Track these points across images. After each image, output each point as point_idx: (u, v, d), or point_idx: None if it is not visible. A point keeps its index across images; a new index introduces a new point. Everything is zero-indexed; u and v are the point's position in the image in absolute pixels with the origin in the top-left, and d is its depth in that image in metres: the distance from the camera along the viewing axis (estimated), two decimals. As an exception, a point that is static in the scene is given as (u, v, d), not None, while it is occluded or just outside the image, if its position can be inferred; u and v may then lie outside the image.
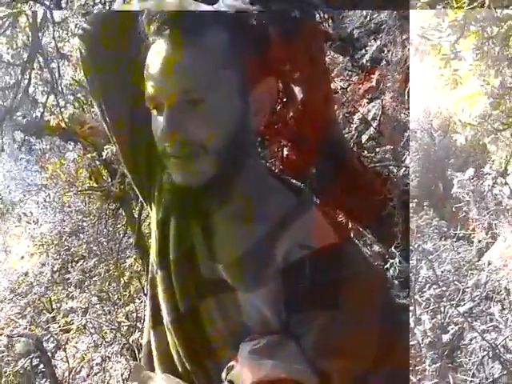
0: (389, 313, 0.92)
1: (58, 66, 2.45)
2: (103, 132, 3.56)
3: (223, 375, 0.89)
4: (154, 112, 0.89)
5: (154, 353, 1.03)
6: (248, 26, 0.91)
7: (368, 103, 1.98)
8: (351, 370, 0.86)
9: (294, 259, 0.88)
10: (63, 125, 2.95)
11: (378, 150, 2.05)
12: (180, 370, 0.97)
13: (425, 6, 2.10)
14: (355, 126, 2.14)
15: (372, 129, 2.10)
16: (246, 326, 0.90)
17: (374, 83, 1.81)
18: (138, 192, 1.17)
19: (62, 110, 2.74)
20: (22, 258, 6.17)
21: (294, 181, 1.07)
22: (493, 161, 3.89)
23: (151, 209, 1.11)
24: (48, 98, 2.62)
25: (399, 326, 0.97)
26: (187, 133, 0.86)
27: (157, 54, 0.86)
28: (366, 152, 2.18)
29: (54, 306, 4.82)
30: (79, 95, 3.66)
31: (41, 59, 2.33)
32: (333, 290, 0.86)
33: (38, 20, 2.01)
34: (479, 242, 4.01)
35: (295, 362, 0.85)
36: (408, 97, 1.99)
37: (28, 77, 2.25)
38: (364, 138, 2.13)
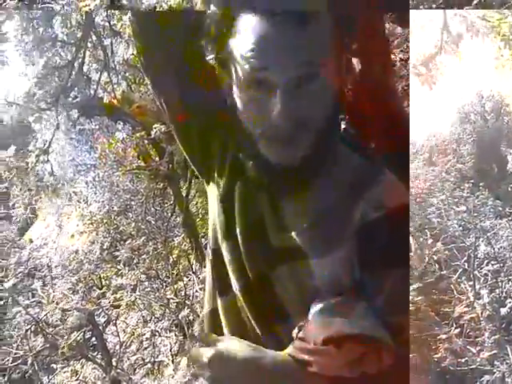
0: None
1: (111, 43, 2.48)
2: (151, 111, 3.59)
3: (294, 333, 0.93)
4: (252, 91, 0.89)
5: (223, 318, 1.06)
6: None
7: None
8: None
9: (369, 220, 0.91)
10: (116, 102, 2.99)
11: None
12: (250, 333, 1.01)
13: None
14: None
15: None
16: (317, 289, 0.93)
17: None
18: (195, 169, 1.19)
19: (115, 86, 2.78)
20: (73, 236, 6.37)
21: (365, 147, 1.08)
22: None
23: (208, 185, 1.13)
24: (101, 75, 2.66)
25: None
26: (303, 111, 0.88)
27: (267, 30, 0.86)
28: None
29: (103, 283, 4.95)
30: (127, 74, 3.70)
31: (94, 37, 2.36)
32: (405, 248, 0.91)
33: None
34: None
35: (365, 319, 0.87)
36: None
37: (82, 55, 2.28)
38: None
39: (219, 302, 1.08)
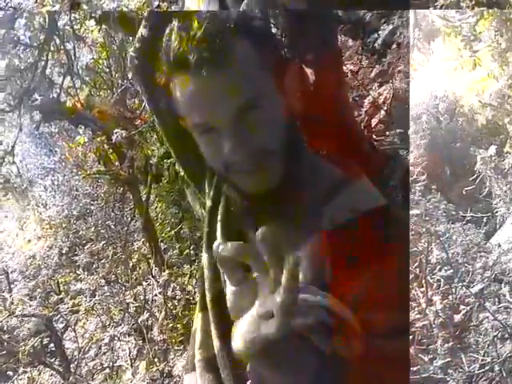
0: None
1: (74, 48, 2.49)
2: (112, 116, 3.60)
3: None
4: (204, 137, 0.94)
5: (197, 335, 1.08)
6: (264, 32, 0.97)
7: (379, 87, 2.02)
8: (390, 322, 0.91)
9: (340, 222, 0.96)
10: (79, 106, 2.99)
11: (387, 133, 2.09)
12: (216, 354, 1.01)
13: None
14: (365, 109, 2.17)
15: (382, 112, 2.13)
16: None
17: (385, 67, 1.85)
18: (190, 181, 1.26)
19: (78, 91, 2.79)
20: (30, 241, 6.24)
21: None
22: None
23: (200, 193, 1.24)
24: (64, 79, 2.67)
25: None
26: (253, 142, 0.91)
27: (191, 85, 0.88)
28: (375, 136, 2.21)
29: (61, 289, 4.88)
30: (87, 78, 3.71)
31: (57, 41, 2.37)
32: (377, 248, 0.93)
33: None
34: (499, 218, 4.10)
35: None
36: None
37: (45, 58, 2.29)
38: (374, 121, 2.17)
39: (197, 318, 1.12)
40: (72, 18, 2.26)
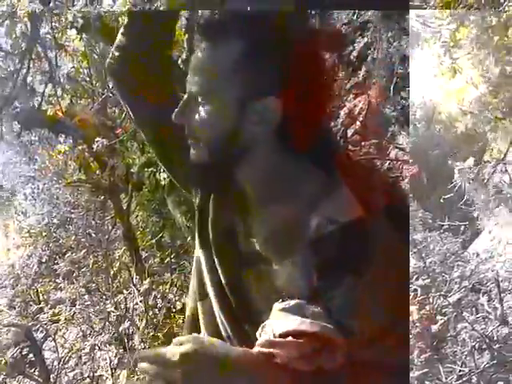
0: (404, 283, 1.10)
1: (56, 56, 2.51)
2: (93, 124, 3.61)
3: (258, 332, 1.01)
4: None
5: (202, 322, 1.18)
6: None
7: (354, 98, 2.06)
8: (371, 329, 0.98)
9: (324, 232, 1.01)
10: (61, 114, 3.00)
11: (363, 144, 2.13)
12: (224, 335, 1.12)
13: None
14: (341, 120, 2.21)
15: (358, 123, 2.18)
16: (279, 292, 1.03)
17: (360, 79, 1.89)
18: (179, 186, 1.34)
19: (60, 99, 2.80)
20: (8, 250, 6.18)
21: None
22: (492, 149, 3.93)
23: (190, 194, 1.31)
24: (46, 87, 2.68)
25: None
26: (188, 124, 1.06)
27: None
28: (351, 146, 2.26)
29: (41, 298, 4.84)
30: (67, 87, 3.71)
31: (39, 49, 2.39)
32: (358, 259, 0.98)
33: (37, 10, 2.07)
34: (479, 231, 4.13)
35: (319, 320, 0.96)
36: (394, 92, 2.06)
37: (26, 66, 2.30)
38: (350, 132, 2.21)
39: (199, 307, 1.20)
40: (53, 27, 2.29)
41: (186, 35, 2.53)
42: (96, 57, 3.51)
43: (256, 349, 0.98)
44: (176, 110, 1.06)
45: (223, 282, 1.12)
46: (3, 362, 3.67)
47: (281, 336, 0.95)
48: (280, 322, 0.98)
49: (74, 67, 3.23)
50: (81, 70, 3.63)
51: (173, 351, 0.91)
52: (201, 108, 1.02)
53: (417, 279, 2.74)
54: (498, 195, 3.80)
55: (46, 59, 2.44)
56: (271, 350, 0.95)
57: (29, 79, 2.58)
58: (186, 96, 1.06)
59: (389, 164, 2.17)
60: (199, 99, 1.02)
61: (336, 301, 0.98)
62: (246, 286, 1.09)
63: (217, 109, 1.02)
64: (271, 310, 1.01)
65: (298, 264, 1.02)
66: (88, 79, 3.78)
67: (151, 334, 3.61)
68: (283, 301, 1.01)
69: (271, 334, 0.97)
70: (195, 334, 1.03)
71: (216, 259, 1.13)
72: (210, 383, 0.93)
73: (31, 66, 2.49)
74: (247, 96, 1.01)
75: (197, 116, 1.03)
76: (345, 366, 0.95)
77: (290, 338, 0.94)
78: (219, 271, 1.13)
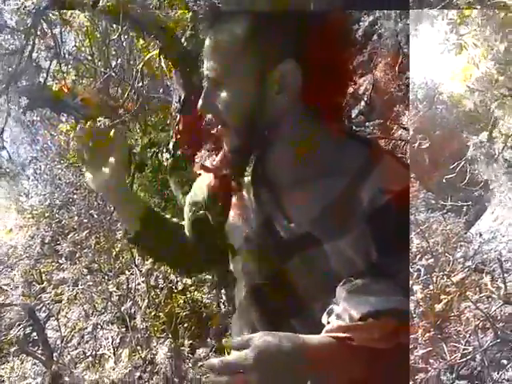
0: None
1: (61, 32, 2.49)
2: (95, 104, 3.59)
3: (324, 319, 0.96)
4: None
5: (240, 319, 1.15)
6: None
7: (359, 78, 2.04)
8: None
9: (379, 204, 0.97)
10: (66, 90, 2.99)
11: (367, 124, 2.12)
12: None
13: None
14: (346, 100, 2.19)
15: (362, 103, 2.16)
16: (334, 274, 0.98)
17: (366, 57, 1.87)
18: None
19: (65, 75, 2.79)
20: (11, 230, 6.19)
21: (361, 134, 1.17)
22: (501, 125, 3.88)
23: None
24: (51, 63, 2.67)
25: None
26: (214, 110, 1.04)
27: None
28: (355, 126, 2.25)
29: (43, 278, 4.87)
30: (69, 66, 3.69)
31: (44, 25, 2.37)
32: (408, 229, 0.97)
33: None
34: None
35: (393, 295, 0.93)
36: (399, 72, 2.04)
37: (31, 43, 2.28)
38: (354, 112, 2.20)
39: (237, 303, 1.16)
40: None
41: (190, 13, 2.50)
42: (98, 35, 3.48)
43: (328, 331, 0.92)
44: (200, 102, 1.04)
45: (268, 275, 1.06)
46: (7, 340, 3.72)
47: (361, 319, 0.91)
48: (355, 304, 0.92)
49: (75, 46, 3.20)
50: (83, 49, 3.61)
51: (245, 355, 0.85)
52: (223, 92, 1.00)
53: (420, 259, 2.72)
54: (510, 169, 3.78)
55: (51, 35, 2.42)
56: (348, 334, 0.90)
57: (34, 55, 2.56)
58: (205, 86, 1.04)
59: (393, 144, 2.16)
60: (218, 84, 1.00)
61: (402, 274, 0.95)
62: (294, 274, 1.03)
63: (238, 88, 1.00)
64: (325, 294, 0.97)
65: (354, 240, 0.98)
66: (90, 58, 3.75)
67: (153, 313, 3.63)
68: (345, 283, 0.96)
69: (348, 319, 0.92)
70: (263, 332, 0.93)
71: (257, 252, 1.09)
72: (288, 379, 0.87)
73: (36, 42, 2.47)
74: (263, 67, 0.98)
75: (221, 101, 1.01)
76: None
77: (371, 320, 0.90)
78: (261, 264, 1.08)
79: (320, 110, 1.04)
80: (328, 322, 0.94)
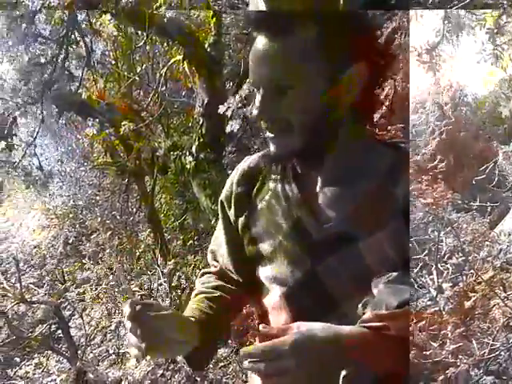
0: None
1: (91, 41, 2.58)
2: (119, 108, 3.67)
3: (359, 309, 0.97)
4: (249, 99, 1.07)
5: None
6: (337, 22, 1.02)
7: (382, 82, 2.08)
8: None
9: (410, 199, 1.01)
10: (99, 97, 3.08)
11: (389, 128, 2.15)
12: None
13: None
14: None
15: (384, 107, 2.20)
16: (369, 272, 1.00)
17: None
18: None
19: (94, 83, 2.88)
20: (34, 231, 6.33)
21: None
22: None
23: None
24: (84, 71, 2.75)
25: None
26: (276, 113, 1.01)
27: (255, 48, 1.01)
28: (377, 130, 2.29)
29: (66, 278, 4.97)
30: (97, 74, 3.77)
31: (76, 34, 2.45)
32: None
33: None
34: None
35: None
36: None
37: (64, 52, 2.37)
38: (376, 116, 2.23)
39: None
40: (89, 12, 2.35)
41: (214, 19, 2.57)
42: (123, 40, 3.57)
43: (364, 321, 0.93)
44: (256, 107, 1.02)
45: (300, 276, 1.07)
46: (33, 337, 3.81)
47: (398, 307, 0.91)
48: (391, 293, 0.94)
49: (101, 52, 3.30)
50: (106, 53, 3.70)
51: (282, 341, 0.88)
52: (289, 96, 0.99)
53: (450, 258, 2.72)
54: None
55: (83, 44, 2.51)
56: (384, 322, 0.91)
57: (66, 64, 2.65)
58: (261, 91, 1.01)
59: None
60: (283, 88, 0.98)
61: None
62: (328, 274, 1.04)
63: (309, 90, 0.99)
64: (361, 291, 0.98)
65: (390, 236, 1.00)
66: (114, 62, 3.84)
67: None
68: (380, 276, 0.97)
69: (384, 308, 0.93)
70: (298, 322, 0.95)
71: (288, 254, 1.08)
72: (323, 367, 0.89)
73: (69, 50, 2.55)
74: (334, 69, 0.99)
75: (286, 104, 0.99)
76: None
77: (407, 308, 0.92)
78: (293, 266, 1.08)
79: (367, 115, 1.08)
80: (363, 313, 0.95)
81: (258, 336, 0.97)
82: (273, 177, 1.15)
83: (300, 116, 1.01)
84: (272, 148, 1.06)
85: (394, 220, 1.01)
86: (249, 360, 0.89)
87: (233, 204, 1.21)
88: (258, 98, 1.02)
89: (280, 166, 1.12)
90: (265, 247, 1.13)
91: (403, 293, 0.93)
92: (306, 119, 1.01)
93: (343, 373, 0.91)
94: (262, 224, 1.14)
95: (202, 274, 1.33)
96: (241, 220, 1.18)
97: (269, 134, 1.05)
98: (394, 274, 0.97)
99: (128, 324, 0.99)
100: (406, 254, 1.00)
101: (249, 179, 1.20)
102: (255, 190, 1.17)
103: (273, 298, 1.12)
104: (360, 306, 0.97)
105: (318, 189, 1.08)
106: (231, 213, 1.21)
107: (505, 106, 3.87)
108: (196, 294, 1.25)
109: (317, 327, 0.92)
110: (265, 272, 1.13)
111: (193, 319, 1.12)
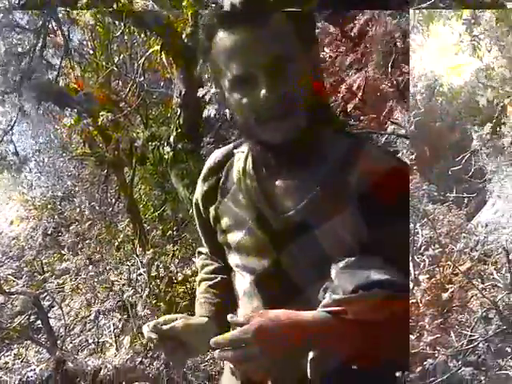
0: None
1: (68, 31, 2.57)
2: (97, 98, 3.67)
3: (320, 295, 1.01)
4: (240, 89, 1.03)
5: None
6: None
7: (354, 74, 2.13)
8: None
9: (366, 186, 1.04)
10: (78, 86, 3.07)
11: (362, 118, 2.21)
12: None
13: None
14: (342, 95, 2.27)
15: (357, 98, 2.25)
16: (327, 258, 1.03)
17: (359, 55, 1.96)
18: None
19: (72, 71, 2.87)
20: (12, 222, 6.27)
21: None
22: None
23: None
24: (62, 60, 2.74)
25: None
26: (285, 89, 1.01)
27: (234, 41, 1.01)
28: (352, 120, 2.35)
29: (45, 269, 4.95)
30: (74, 63, 3.76)
31: (53, 23, 2.45)
32: (403, 204, 1.04)
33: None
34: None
35: (385, 268, 0.98)
36: (392, 68, 2.13)
37: (42, 40, 2.37)
38: (350, 106, 2.28)
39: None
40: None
41: (191, 10, 2.58)
42: (100, 30, 3.56)
43: (323, 306, 0.97)
44: (267, 84, 1.00)
45: (265, 265, 1.11)
46: (12, 328, 3.81)
47: (353, 291, 0.95)
48: (347, 278, 0.97)
49: (79, 41, 3.29)
50: (86, 43, 3.68)
51: (246, 329, 0.92)
52: (289, 69, 1.01)
53: (426, 249, 2.76)
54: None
55: (61, 34, 2.50)
56: (342, 306, 0.95)
57: (44, 53, 2.64)
58: (260, 74, 1.01)
59: (386, 138, 2.26)
60: (285, 60, 1.01)
61: (393, 248, 1.01)
62: (290, 262, 1.08)
63: (303, 64, 1.03)
64: (321, 277, 1.02)
65: (344, 221, 1.04)
66: (92, 53, 3.83)
67: (154, 302, 3.72)
68: (338, 261, 1.01)
69: (341, 292, 0.96)
70: (263, 310, 1.01)
71: (252, 244, 1.13)
72: (288, 352, 0.94)
73: (46, 40, 2.55)
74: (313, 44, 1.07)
75: (291, 79, 1.01)
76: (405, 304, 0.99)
77: (361, 291, 0.94)
78: (257, 256, 1.12)
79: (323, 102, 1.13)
80: (324, 298, 0.99)
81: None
82: (236, 170, 1.19)
83: (302, 91, 1.03)
84: (275, 137, 1.06)
85: (348, 206, 1.05)
86: (217, 349, 0.94)
87: (203, 199, 1.26)
88: (264, 81, 1.01)
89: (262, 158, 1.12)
90: (233, 238, 1.17)
91: (359, 277, 0.97)
92: (306, 95, 1.03)
93: (310, 355, 0.95)
94: (229, 216, 1.18)
95: (199, 253, 1.41)
96: (211, 213, 1.22)
97: (269, 124, 1.04)
98: (351, 259, 1.01)
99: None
100: (363, 239, 1.03)
101: (215, 174, 1.23)
102: (221, 183, 1.21)
103: (244, 284, 1.17)
104: (321, 291, 1.01)
105: (276, 180, 1.12)
106: (202, 207, 1.27)
107: (482, 95, 3.91)
108: (200, 282, 1.34)
109: (280, 314, 0.96)
110: (235, 260, 1.19)
111: (206, 319, 1.21)
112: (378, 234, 1.02)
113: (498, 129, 3.80)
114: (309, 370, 0.94)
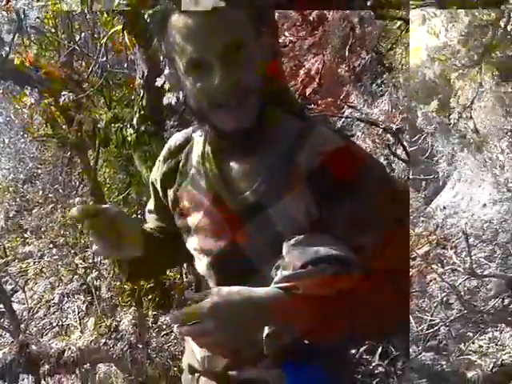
0: (396, 192, 1.14)
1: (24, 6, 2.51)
2: (60, 78, 3.60)
3: (272, 272, 1.05)
4: (195, 74, 1.05)
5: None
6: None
7: (313, 58, 2.15)
8: (379, 240, 1.04)
9: (314, 165, 1.08)
10: (28, 63, 3.00)
11: (320, 102, 2.24)
12: None
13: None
14: (301, 79, 2.30)
15: (315, 82, 2.27)
16: (281, 236, 1.07)
17: (317, 39, 1.98)
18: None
19: (27, 49, 2.79)
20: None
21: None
22: (459, 96, 3.94)
23: None
24: (14, 36, 2.67)
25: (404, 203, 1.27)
26: (238, 78, 1.02)
27: (187, 24, 1.02)
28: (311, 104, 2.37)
29: (8, 253, 4.87)
30: (32, 38, 3.67)
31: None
32: (352, 182, 1.06)
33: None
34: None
35: (334, 245, 1.02)
36: (349, 52, 2.16)
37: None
38: (308, 90, 2.31)
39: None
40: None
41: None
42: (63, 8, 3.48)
43: (275, 282, 1.01)
44: (221, 70, 1.02)
45: (222, 245, 1.14)
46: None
47: (302, 267, 0.98)
48: (297, 255, 1.01)
49: (38, 18, 3.21)
50: (46, 21, 3.59)
51: (202, 305, 0.95)
52: (242, 54, 1.02)
53: None
54: (462, 140, 3.86)
55: (13, 9, 2.44)
56: (293, 283, 0.98)
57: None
58: (214, 61, 1.02)
59: (343, 122, 2.30)
60: (237, 46, 1.02)
61: (340, 224, 1.04)
62: (244, 245, 1.12)
63: (254, 48, 1.05)
64: (274, 257, 1.05)
65: (295, 200, 1.08)
66: (53, 31, 3.74)
67: (118, 284, 3.72)
68: (289, 239, 1.05)
69: (291, 269, 1.00)
70: (218, 287, 1.04)
71: (210, 224, 1.16)
72: (242, 327, 0.98)
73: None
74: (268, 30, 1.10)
75: (243, 65, 1.03)
76: (361, 280, 1.00)
77: (310, 267, 0.98)
78: (215, 235, 1.15)
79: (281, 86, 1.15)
80: (276, 276, 1.03)
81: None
82: (195, 153, 1.22)
83: (256, 78, 1.05)
84: (228, 124, 1.08)
85: (297, 186, 1.09)
86: (176, 324, 0.98)
87: (161, 180, 1.27)
88: (217, 67, 1.02)
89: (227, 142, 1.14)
90: (191, 221, 1.20)
91: (308, 253, 1.01)
92: (260, 82, 1.06)
93: (266, 331, 0.99)
94: (188, 199, 1.21)
95: (149, 212, 1.43)
96: (170, 196, 1.25)
97: (220, 111, 1.06)
98: (301, 236, 1.05)
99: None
100: (313, 217, 1.08)
101: (175, 156, 1.26)
102: (180, 166, 1.24)
103: (202, 265, 1.21)
104: (273, 268, 1.05)
105: (233, 163, 1.16)
106: (160, 188, 1.28)
107: (429, 68, 3.93)
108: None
109: (234, 290, 1.00)
110: (193, 244, 1.22)
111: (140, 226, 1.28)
112: (328, 211, 1.06)
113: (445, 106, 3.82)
114: (265, 346, 0.98)
